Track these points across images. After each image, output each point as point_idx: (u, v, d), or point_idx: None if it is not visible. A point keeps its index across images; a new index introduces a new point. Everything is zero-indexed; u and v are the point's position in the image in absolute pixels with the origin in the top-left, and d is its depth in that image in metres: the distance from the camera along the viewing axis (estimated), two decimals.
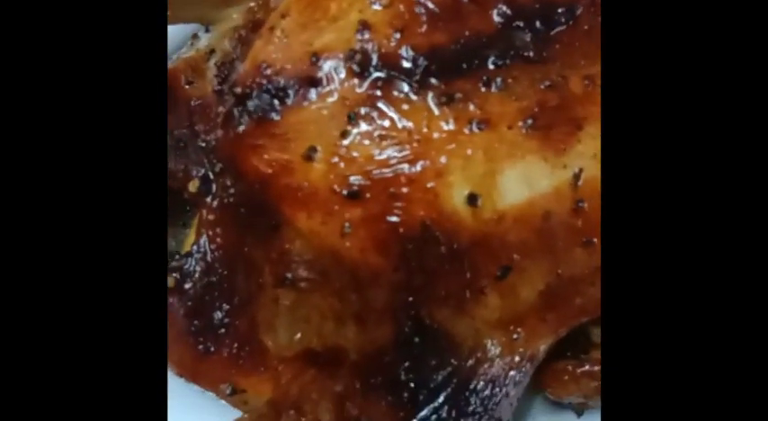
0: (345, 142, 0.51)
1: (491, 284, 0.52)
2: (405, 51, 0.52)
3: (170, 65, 0.62)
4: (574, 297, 0.53)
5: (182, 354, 0.57)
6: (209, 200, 0.57)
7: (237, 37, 0.61)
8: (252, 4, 0.62)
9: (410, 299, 0.52)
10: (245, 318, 0.56)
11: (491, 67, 0.52)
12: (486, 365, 0.54)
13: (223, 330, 0.56)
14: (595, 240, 0.51)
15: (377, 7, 0.53)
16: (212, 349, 0.56)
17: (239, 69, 0.57)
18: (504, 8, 0.53)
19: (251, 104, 0.54)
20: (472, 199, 0.50)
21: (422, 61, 0.52)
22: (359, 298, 0.53)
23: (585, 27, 0.53)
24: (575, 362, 0.58)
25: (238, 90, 0.55)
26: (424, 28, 0.53)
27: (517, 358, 0.54)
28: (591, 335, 0.59)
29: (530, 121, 0.51)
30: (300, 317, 0.55)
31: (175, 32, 0.67)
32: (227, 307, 0.56)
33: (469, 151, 0.51)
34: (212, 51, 0.62)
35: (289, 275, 0.54)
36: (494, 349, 0.54)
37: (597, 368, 0.58)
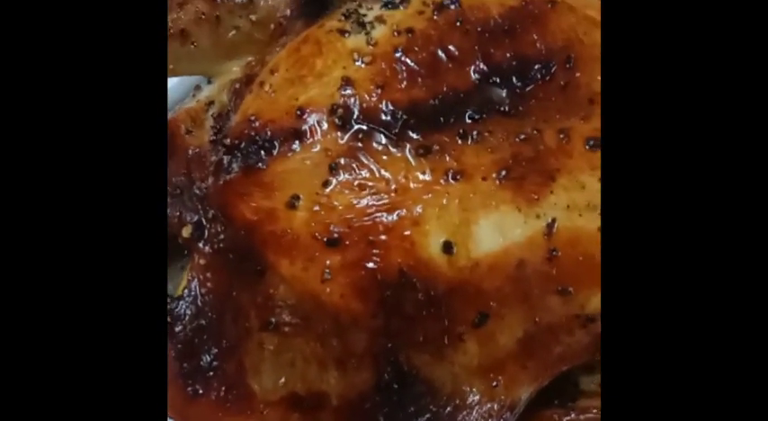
0: (327, 191, 0.53)
1: (469, 331, 0.53)
2: (385, 106, 0.54)
3: (171, 115, 0.64)
4: (553, 345, 0.54)
5: (172, 396, 0.57)
6: (201, 245, 0.58)
7: (233, 90, 0.63)
8: (250, 59, 0.65)
9: (389, 344, 0.53)
10: (233, 362, 0.56)
11: (468, 121, 0.54)
12: (464, 412, 0.54)
13: (211, 373, 0.56)
14: (571, 289, 0.52)
15: (359, 64, 0.56)
16: (201, 392, 0.56)
17: (233, 121, 0.60)
18: (482, 65, 0.55)
19: (239, 154, 0.56)
20: (447, 247, 0.51)
21: (401, 115, 0.54)
22: (340, 343, 0.54)
23: (561, 83, 0.55)
24: (561, 410, 0.58)
25: (228, 141, 0.57)
26: (404, 84, 0.55)
27: (497, 406, 0.54)
28: (579, 383, 0.59)
29: (504, 173, 0.52)
30: (285, 361, 0.55)
31: (179, 83, 0.70)
32: (216, 350, 0.57)
33: (445, 201, 0.52)
34: (211, 103, 0.64)
35: (273, 320, 0.54)
36: (473, 396, 0.54)
37: (584, 417, 0.58)
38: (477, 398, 0.54)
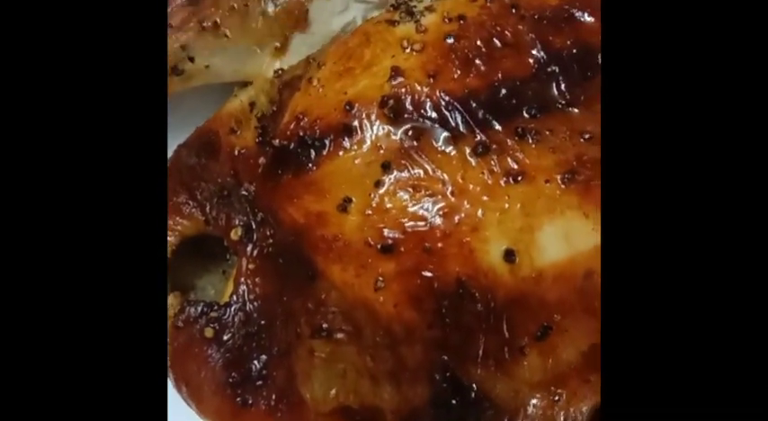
0: (380, 192, 0.50)
1: (531, 344, 0.50)
2: (438, 97, 0.51)
3: (215, 113, 0.63)
4: None
5: (219, 407, 0.56)
6: (249, 249, 0.56)
7: (279, 88, 0.61)
8: (276, 44, 0.62)
9: (445, 357, 0.50)
10: (283, 369, 0.54)
11: (526, 115, 0.50)
12: None
13: (261, 382, 0.55)
14: None
15: (409, 52, 0.53)
16: (250, 401, 0.55)
17: (281, 120, 0.57)
18: (540, 53, 0.52)
19: (288, 155, 0.53)
20: (509, 255, 0.49)
21: (456, 108, 0.51)
22: (393, 355, 0.51)
23: None
24: None
25: (277, 141, 0.55)
26: (458, 72, 0.52)
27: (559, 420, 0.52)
28: None
29: (568, 175, 0.49)
30: (336, 372, 0.53)
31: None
32: (266, 358, 0.55)
33: (506, 205, 0.49)
34: (253, 104, 0.62)
35: (324, 326, 0.52)
36: (534, 411, 0.51)
37: None
38: (537, 412, 0.52)
